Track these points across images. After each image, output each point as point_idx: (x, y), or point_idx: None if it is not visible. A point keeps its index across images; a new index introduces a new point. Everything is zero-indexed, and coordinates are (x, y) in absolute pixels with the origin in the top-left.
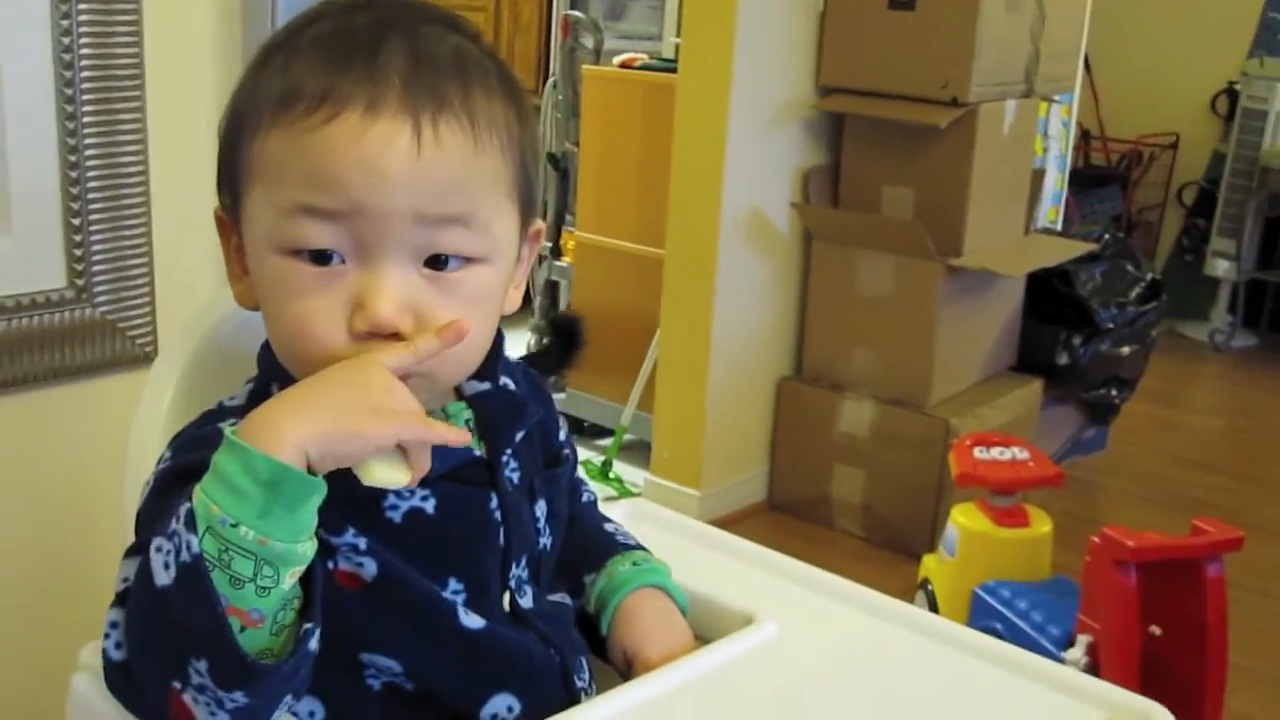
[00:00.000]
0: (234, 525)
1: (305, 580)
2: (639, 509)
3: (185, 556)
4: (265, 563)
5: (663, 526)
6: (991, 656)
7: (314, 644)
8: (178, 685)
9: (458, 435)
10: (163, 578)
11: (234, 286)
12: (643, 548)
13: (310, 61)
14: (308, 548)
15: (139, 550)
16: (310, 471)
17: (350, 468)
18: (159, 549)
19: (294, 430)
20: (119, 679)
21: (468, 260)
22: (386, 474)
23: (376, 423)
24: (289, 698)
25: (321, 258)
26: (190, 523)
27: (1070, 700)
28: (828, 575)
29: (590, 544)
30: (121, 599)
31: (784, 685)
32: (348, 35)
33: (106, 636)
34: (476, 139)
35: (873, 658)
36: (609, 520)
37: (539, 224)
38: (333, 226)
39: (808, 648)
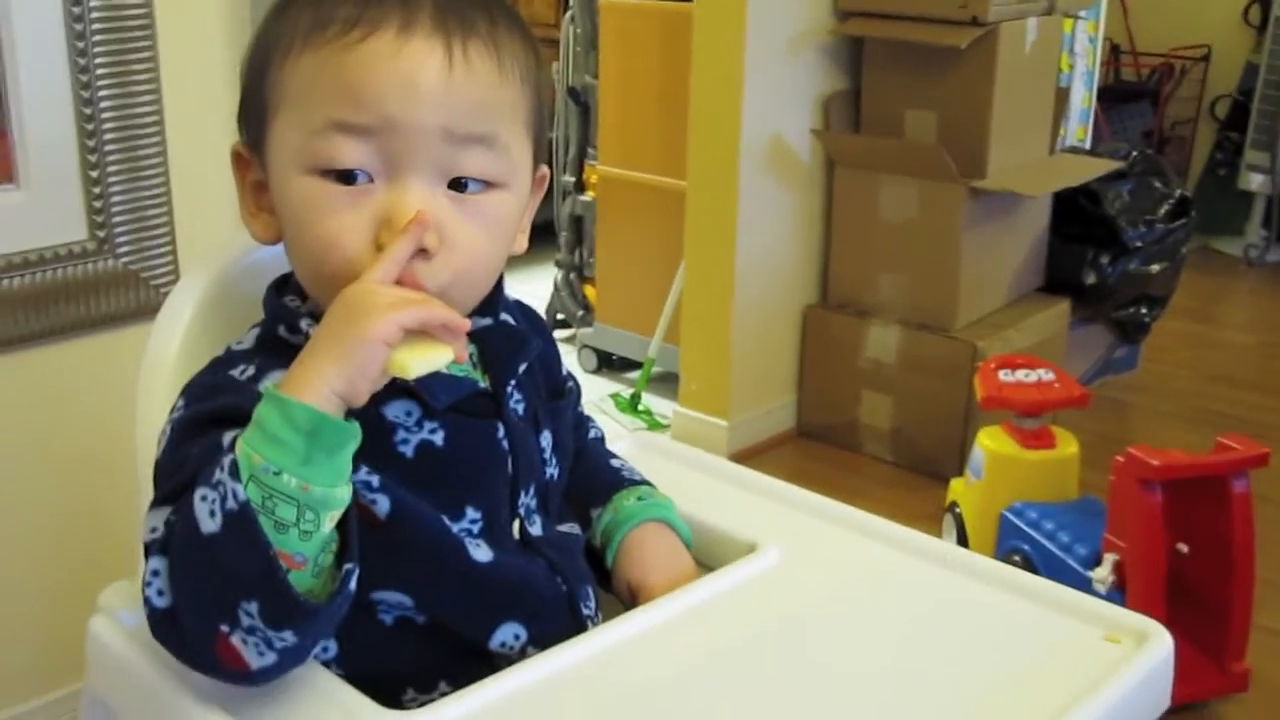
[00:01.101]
0: (277, 473)
1: (341, 525)
2: (645, 441)
3: (232, 504)
4: (307, 508)
5: (669, 457)
6: (991, 578)
7: (353, 584)
8: (226, 628)
9: (461, 321)
10: (209, 525)
11: (250, 223)
12: (648, 483)
13: None
14: (345, 492)
15: (166, 500)
16: (349, 411)
17: (393, 375)
18: (204, 498)
19: (313, 373)
20: (164, 626)
21: (488, 185)
22: (423, 360)
23: (370, 320)
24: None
25: (349, 177)
26: (234, 472)
27: (1069, 619)
28: (830, 502)
29: (597, 479)
30: (161, 547)
31: (788, 610)
32: None
33: (148, 585)
34: (501, 67)
35: (874, 582)
36: (615, 456)
37: (544, 170)
38: (363, 143)
39: (810, 573)
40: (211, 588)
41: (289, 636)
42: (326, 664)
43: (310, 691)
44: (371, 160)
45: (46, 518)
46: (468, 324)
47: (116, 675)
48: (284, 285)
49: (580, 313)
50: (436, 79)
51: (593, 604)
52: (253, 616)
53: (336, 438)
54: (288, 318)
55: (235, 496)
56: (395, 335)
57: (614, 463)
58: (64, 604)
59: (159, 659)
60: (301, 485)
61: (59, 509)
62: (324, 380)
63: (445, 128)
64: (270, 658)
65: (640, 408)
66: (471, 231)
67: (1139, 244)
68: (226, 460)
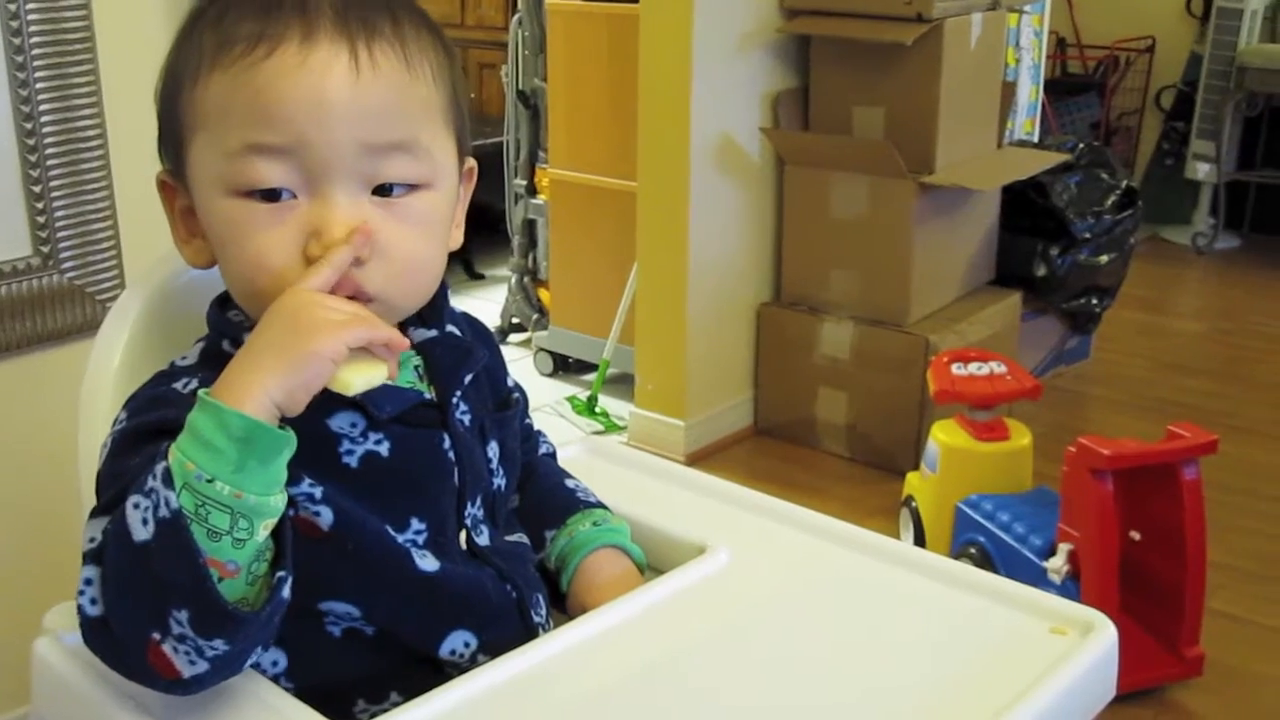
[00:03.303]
0: (210, 481)
1: (275, 533)
2: (594, 446)
3: (164, 512)
4: (241, 516)
5: (618, 462)
6: (939, 574)
7: (286, 592)
8: (157, 636)
9: (401, 340)
10: (141, 533)
11: (183, 250)
12: (603, 505)
13: (241, 12)
14: (279, 500)
15: (105, 510)
16: (284, 420)
17: (332, 390)
18: (136, 505)
19: (254, 381)
20: (96, 633)
21: (412, 187)
22: (364, 378)
23: (320, 336)
24: (259, 648)
25: (272, 195)
26: (167, 480)
27: (1016, 613)
28: (779, 502)
29: (551, 500)
30: (95, 556)
31: (737, 611)
32: None
33: (81, 593)
34: (409, 65)
35: (823, 581)
36: (569, 476)
37: (471, 162)
38: (281, 162)
39: (760, 574)
40: (142, 596)
41: (219, 645)
42: (276, 678)
43: (258, 707)
44: (291, 177)
45: None
46: (407, 343)
47: (62, 698)
48: (227, 300)
49: (535, 316)
50: (344, 89)
51: (544, 611)
52: (183, 625)
53: (271, 446)
54: (232, 332)
55: (168, 504)
56: (343, 354)
57: (568, 483)
58: (8, 625)
59: (105, 681)
60: (234, 493)
61: (2, 528)
62: (264, 389)
63: (361, 141)
64: (201, 666)
65: (597, 410)
66: (402, 233)
67: (1087, 235)
68: (159, 468)
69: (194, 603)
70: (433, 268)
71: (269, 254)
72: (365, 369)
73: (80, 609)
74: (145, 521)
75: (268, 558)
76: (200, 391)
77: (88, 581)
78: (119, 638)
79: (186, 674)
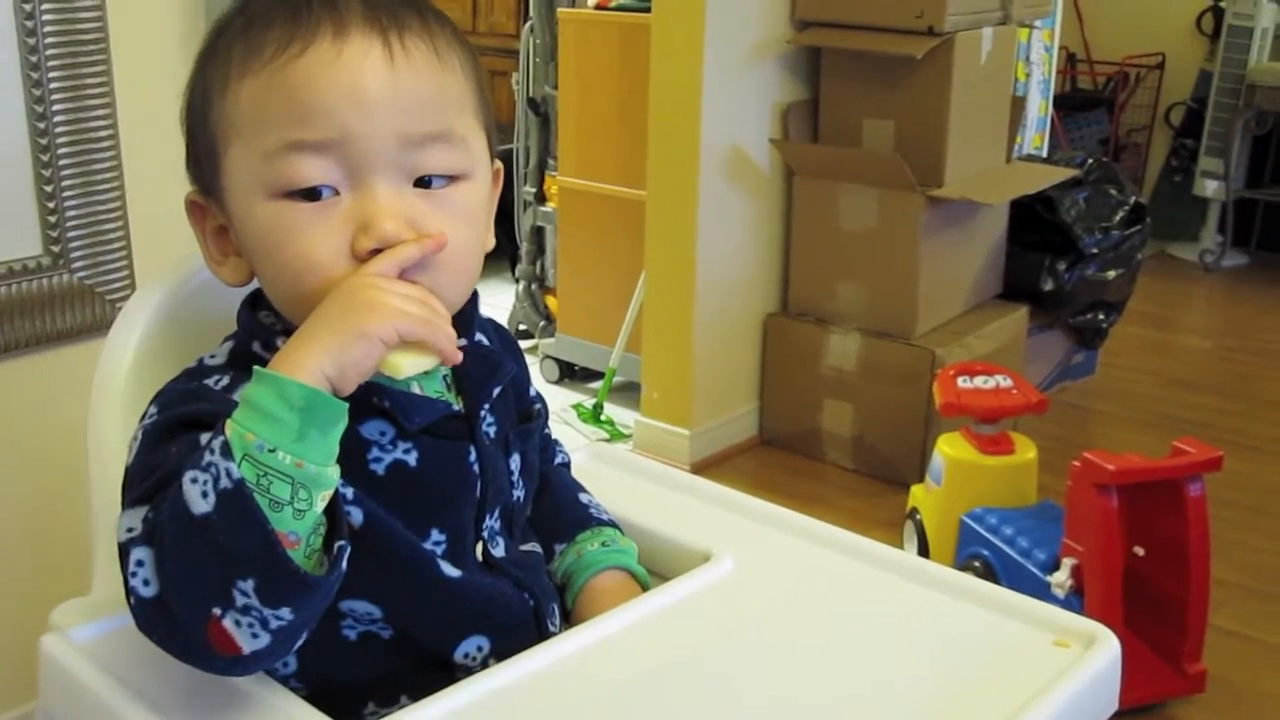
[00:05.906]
0: (271, 450)
1: (329, 509)
2: (601, 452)
3: (225, 483)
4: (301, 485)
5: (624, 469)
6: (943, 585)
7: (345, 562)
8: (218, 611)
9: (455, 354)
10: (201, 506)
11: (217, 271)
12: (614, 524)
13: (268, 19)
14: (335, 472)
15: (143, 500)
16: (336, 395)
17: (382, 373)
18: (194, 480)
19: (308, 356)
20: (151, 615)
21: (452, 179)
22: (413, 361)
23: (373, 317)
24: (306, 631)
25: (313, 194)
26: (226, 452)
27: (1019, 625)
28: (784, 511)
29: (563, 513)
30: (146, 538)
31: (742, 618)
32: None
33: (133, 575)
34: (440, 56)
35: (827, 590)
36: (584, 490)
37: (498, 164)
38: (322, 158)
39: (764, 582)
40: (205, 570)
41: (285, 614)
42: (286, 679)
43: (269, 711)
44: (332, 173)
45: (1, 535)
46: (459, 356)
47: (70, 694)
48: (259, 301)
49: (542, 323)
50: (381, 78)
51: (558, 619)
52: (248, 595)
53: (330, 415)
54: (262, 334)
55: (229, 475)
56: (393, 339)
57: (582, 497)
58: (15, 622)
59: (113, 677)
60: (296, 462)
61: (11, 526)
62: (316, 363)
63: (400, 131)
64: (264, 639)
65: (602, 418)
66: (444, 223)
67: (1095, 251)
68: (216, 442)
69: (262, 570)
70: (475, 260)
71: (315, 251)
72: (416, 353)
73: (133, 591)
74: (205, 495)
75: (322, 533)
76: (257, 367)
77: (139, 563)
78: (177, 616)
79: (248, 649)
